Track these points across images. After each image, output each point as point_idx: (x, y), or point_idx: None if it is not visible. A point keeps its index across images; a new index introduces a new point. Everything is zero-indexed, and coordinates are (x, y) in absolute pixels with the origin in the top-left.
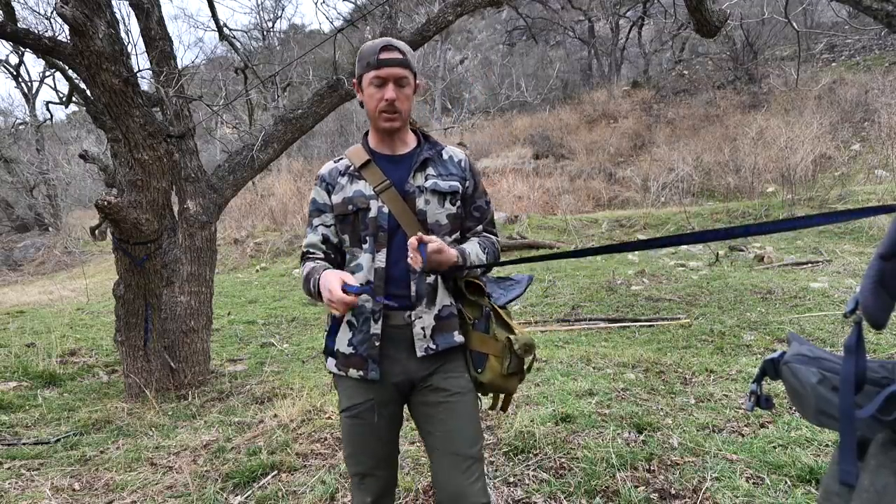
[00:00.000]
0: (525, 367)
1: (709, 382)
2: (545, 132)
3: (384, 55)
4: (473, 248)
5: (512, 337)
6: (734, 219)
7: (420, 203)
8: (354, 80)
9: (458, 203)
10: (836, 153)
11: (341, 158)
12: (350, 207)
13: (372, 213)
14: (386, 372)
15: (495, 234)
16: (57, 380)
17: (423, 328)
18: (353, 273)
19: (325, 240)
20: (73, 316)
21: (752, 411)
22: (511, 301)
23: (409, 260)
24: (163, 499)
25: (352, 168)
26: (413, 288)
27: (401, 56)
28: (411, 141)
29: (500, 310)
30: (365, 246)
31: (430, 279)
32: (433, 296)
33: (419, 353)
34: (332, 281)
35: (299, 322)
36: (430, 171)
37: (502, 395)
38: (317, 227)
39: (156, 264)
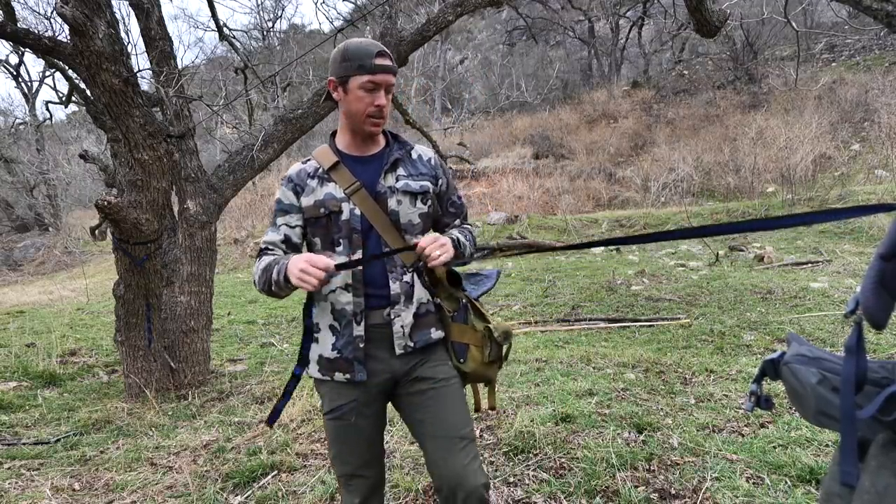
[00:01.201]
0: (503, 354)
1: (709, 382)
2: (545, 132)
3: (380, 61)
4: (456, 234)
5: (491, 326)
6: (734, 219)
7: (392, 203)
8: (332, 79)
9: (430, 202)
10: (836, 153)
11: (309, 160)
12: (322, 210)
13: (344, 216)
14: (371, 372)
15: (471, 226)
16: (57, 380)
17: (402, 326)
18: (329, 277)
19: (287, 240)
20: (73, 316)
21: (752, 412)
22: (482, 294)
23: (431, 257)
24: (163, 499)
25: (320, 170)
26: (391, 286)
27: (392, 64)
28: (381, 141)
29: (474, 301)
30: (339, 248)
31: (407, 277)
32: (410, 293)
33: (398, 351)
34: (302, 258)
35: (299, 322)
36: (401, 171)
37: (488, 390)
38: (280, 226)
39: (156, 264)
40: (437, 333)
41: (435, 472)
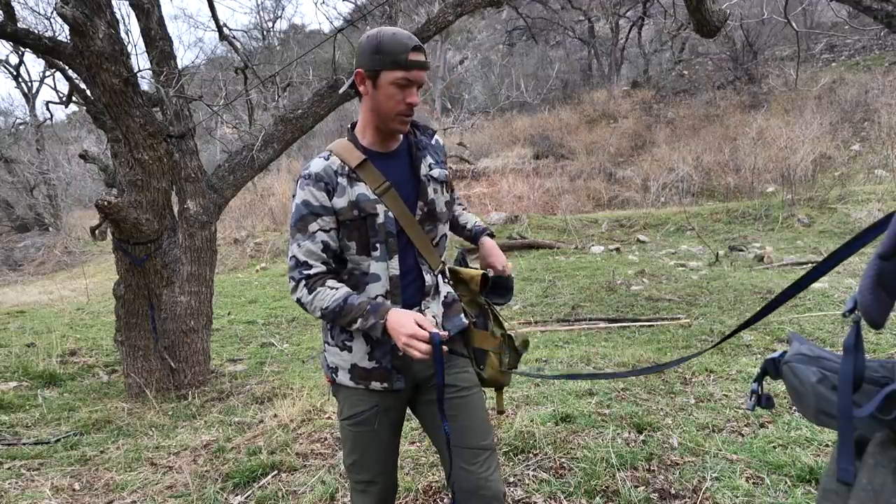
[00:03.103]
0: (518, 361)
1: (709, 382)
2: (545, 132)
3: (415, 56)
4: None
5: (512, 334)
6: (734, 218)
7: (430, 192)
8: (361, 71)
9: (448, 189)
10: (836, 153)
11: (329, 155)
12: (356, 213)
13: (380, 219)
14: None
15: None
16: (57, 380)
17: (433, 316)
18: (367, 284)
19: (326, 247)
20: (73, 316)
21: (753, 410)
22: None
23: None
24: (163, 499)
25: (346, 168)
26: (426, 277)
27: (426, 59)
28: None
29: (493, 307)
30: (375, 254)
31: (431, 277)
32: (436, 287)
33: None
34: (409, 322)
35: (299, 322)
36: (430, 158)
37: (496, 394)
38: (314, 232)
39: (156, 264)
40: (465, 319)
41: (455, 481)
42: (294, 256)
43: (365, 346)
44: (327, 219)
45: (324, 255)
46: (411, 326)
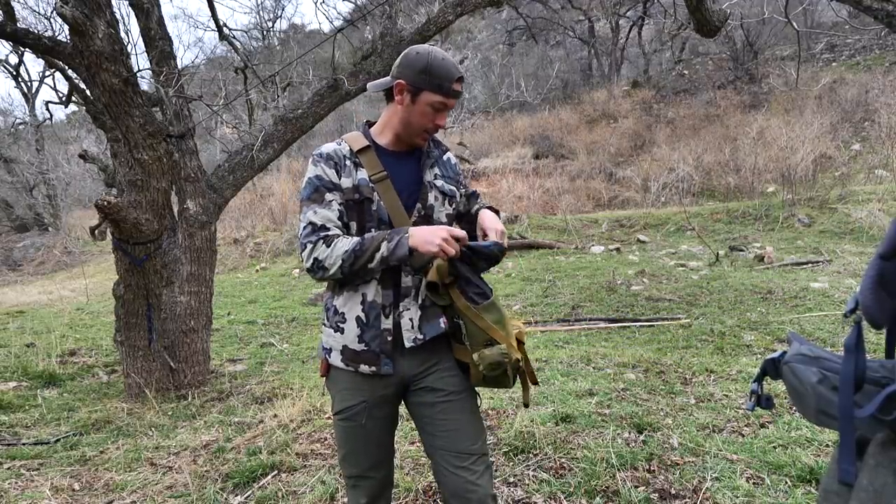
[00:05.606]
0: (510, 375)
1: (709, 382)
2: (545, 132)
3: (458, 87)
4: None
5: (476, 356)
6: (734, 218)
7: (430, 198)
8: (403, 82)
9: (454, 206)
10: (836, 153)
11: (341, 142)
12: (356, 196)
13: (374, 206)
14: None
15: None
16: (57, 380)
17: (410, 319)
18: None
19: (340, 216)
20: (72, 316)
21: (753, 411)
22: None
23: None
24: (163, 499)
25: (353, 153)
26: (403, 279)
27: (462, 89)
28: None
29: (473, 312)
30: None
31: (412, 278)
32: (417, 289)
33: (408, 345)
34: (438, 229)
35: (299, 322)
36: (437, 171)
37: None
38: (330, 201)
39: (156, 264)
40: (444, 324)
41: (442, 485)
42: (311, 223)
43: (356, 329)
44: (337, 194)
45: (339, 221)
46: (444, 230)
